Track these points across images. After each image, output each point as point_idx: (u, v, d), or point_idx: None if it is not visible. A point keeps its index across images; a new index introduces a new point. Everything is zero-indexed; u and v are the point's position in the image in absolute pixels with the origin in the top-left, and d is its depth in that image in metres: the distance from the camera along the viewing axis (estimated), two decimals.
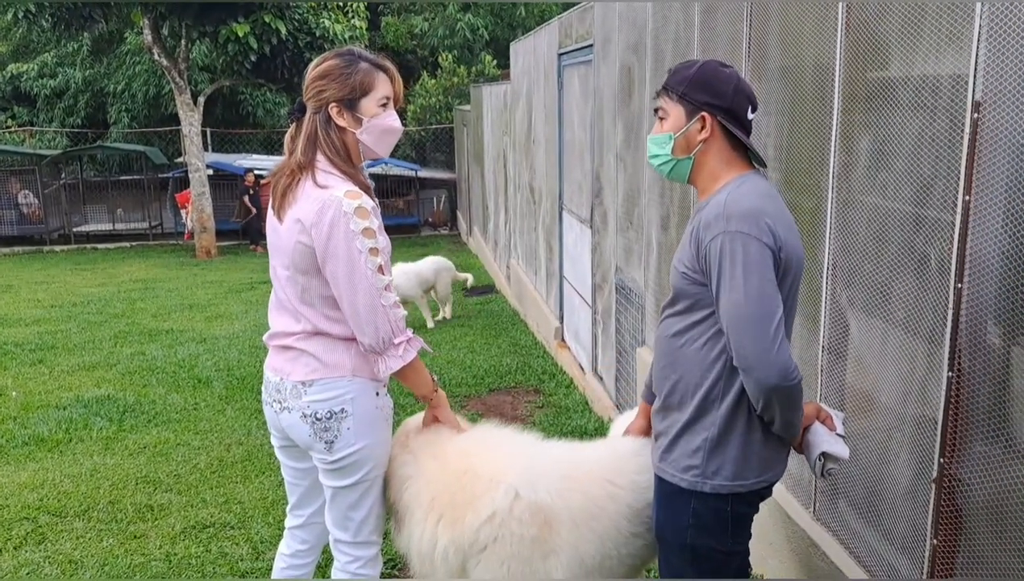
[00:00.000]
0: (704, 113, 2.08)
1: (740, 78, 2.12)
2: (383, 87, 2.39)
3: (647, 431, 2.48)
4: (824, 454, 2.16)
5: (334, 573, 2.56)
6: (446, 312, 9.18)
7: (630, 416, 2.74)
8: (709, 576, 2.18)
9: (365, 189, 2.37)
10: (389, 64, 2.44)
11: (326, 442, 2.39)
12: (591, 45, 5.76)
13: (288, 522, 2.72)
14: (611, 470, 2.44)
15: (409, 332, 2.39)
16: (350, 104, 2.36)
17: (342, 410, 2.37)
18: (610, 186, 5.46)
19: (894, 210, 2.41)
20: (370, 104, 2.37)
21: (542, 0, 18.55)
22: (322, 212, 2.26)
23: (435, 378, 2.52)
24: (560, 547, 2.31)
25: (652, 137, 2.18)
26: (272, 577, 2.73)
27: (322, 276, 2.33)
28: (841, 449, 2.17)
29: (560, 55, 6.83)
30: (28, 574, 3.66)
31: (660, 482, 2.23)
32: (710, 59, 2.18)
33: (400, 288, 8.44)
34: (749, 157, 2.15)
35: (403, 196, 18.30)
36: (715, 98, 2.08)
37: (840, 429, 2.24)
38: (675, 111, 2.12)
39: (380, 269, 2.30)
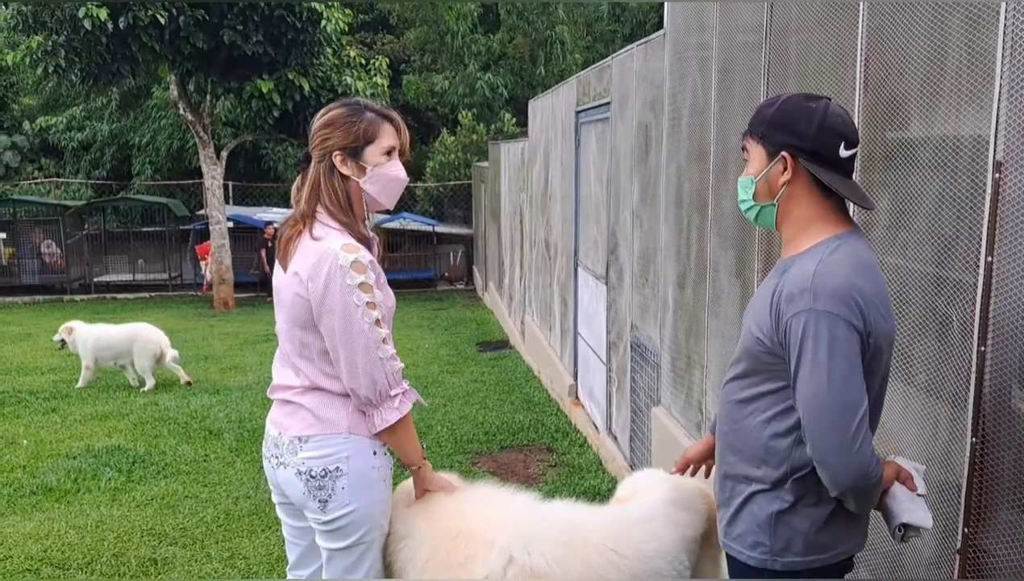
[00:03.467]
0: (784, 154, 1.89)
1: (828, 112, 1.88)
2: (388, 137, 2.39)
3: (705, 458, 2.39)
4: (904, 525, 1.95)
5: None
6: (182, 380, 8.62)
7: (641, 476, 2.67)
8: None
9: (364, 241, 2.34)
10: (395, 115, 2.44)
11: (320, 501, 2.32)
12: (608, 103, 5.81)
13: None
14: (615, 538, 2.35)
15: (405, 384, 2.36)
16: (354, 152, 2.35)
17: (336, 468, 2.31)
18: (626, 243, 5.44)
19: (915, 271, 2.37)
20: (374, 153, 2.36)
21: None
22: (318, 266, 2.24)
23: (424, 446, 2.46)
24: None
25: (740, 180, 2.01)
26: None
27: (319, 330, 2.30)
28: (923, 517, 1.96)
29: (578, 112, 6.89)
30: None
31: (729, 558, 2.08)
32: (795, 93, 2.00)
33: (77, 345, 8.44)
34: (845, 206, 1.95)
35: (420, 251, 18.43)
36: (795, 137, 1.87)
37: (921, 488, 2.02)
38: (757, 153, 1.95)
39: (378, 322, 2.27)
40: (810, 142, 1.87)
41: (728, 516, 2.04)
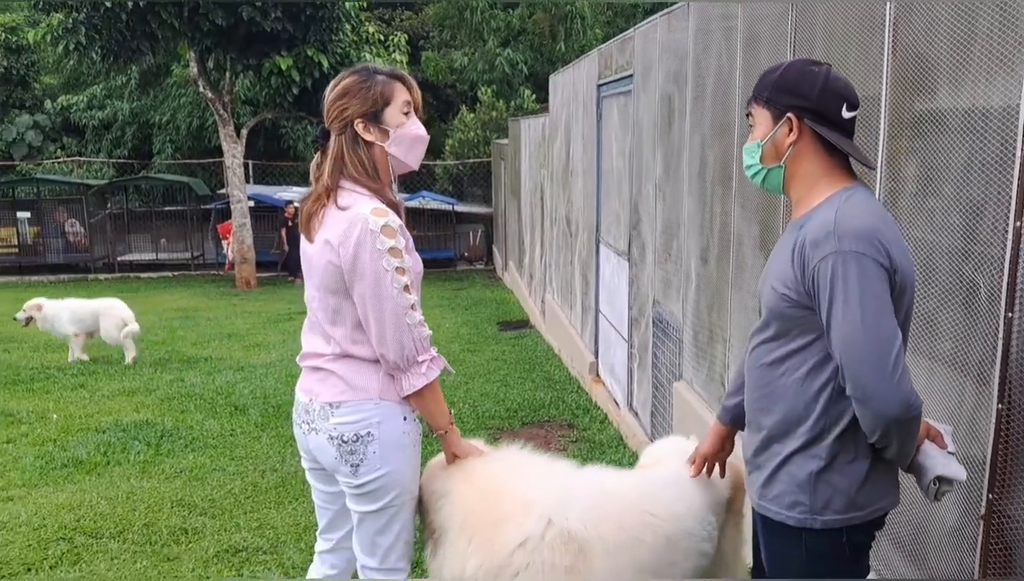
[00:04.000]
0: (790, 115, 1.95)
1: (830, 75, 1.96)
2: (403, 94, 2.41)
3: (718, 451, 2.43)
4: (939, 478, 1.98)
5: None
6: (128, 358, 8.76)
7: (663, 444, 2.69)
8: None
9: (393, 207, 2.36)
10: (404, 73, 2.46)
11: (352, 465, 2.37)
12: (631, 75, 5.78)
13: (318, 546, 2.70)
14: (648, 499, 2.39)
15: (433, 351, 2.38)
16: (375, 117, 2.36)
17: (368, 433, 2.35)
18: (648, 217, 5.43)
19: (942, 238, 2.36)
20: (394, 113, 2.38)
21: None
22: (349, 231, 2.27)
23: (451, 412, 2.48)
24: (596, 578, 2.27)
25: (745, 147, 2.07)
26: None
27: (351, 297, 2.33)
28: (957, 470, 2.00)
29: (599, 86, 6.86)
30: None
31: (764, 519, 2.08)
32: (798, 59, 2.07)
33: (50, 321, 8.61)
34: (849, 165, 2.00)
35: (440, 230, 18.44)
36: (800, 99, 1.94)
37: (951, 446, 2.07)
38: (762, 117, 2.01)
39: (407, 288, 2.29)
40: (815, 103, 1.94)
41: (763, 479, 2.05)
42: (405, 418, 2.42)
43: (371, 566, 2.49)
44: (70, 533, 4.34)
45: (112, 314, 8.72)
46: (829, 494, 1.95)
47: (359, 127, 2.36)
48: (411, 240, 2.39)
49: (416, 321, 2.32)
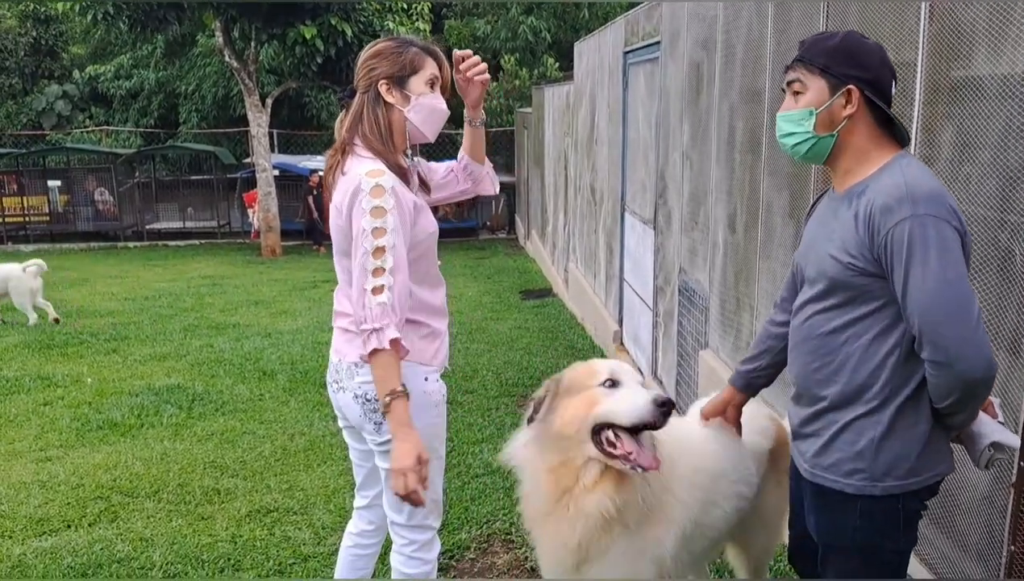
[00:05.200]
0: (851, 86, 1.92)
1: (884, 49, 1.97)
2: (431, 68, 2.44)
3: (733, 418, 2.49)
4: (994, 444, 1.98)
5: (392, 556, 2.58)
6: (51, 314, 9.18)
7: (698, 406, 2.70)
8: (889, 576, 2.04)
9: (400, 171, 2.36)
10: (438, 50, 2.49)
11: (375, 423, 2.41)
12: (658, 42, 5.73)
13: (355, 503, 2.77)
14: (685, 436, 2.47)
15: (386, 323, 2.21)
16: (400, 81, 2.40)
17: None
18: (675, 185, 5.41)
19: (975, 212, 2.34)
20: (419, 83, 2.41)
21: (606, 0, 18.50)
22: (346, 192, 2.31)
23: (402, 388, 2.23)
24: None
25: (785, 114, 2.01)
26: (340, 554, 2.78)
27: None
28: (1012, 438, 2.01)
29: (626, 53, 6.81)
30: (101, 549, 3.78)
31: (817, 488, 2.06)
32: (851, 30, 2.03)
33: None
34: (894, 135, 1.98)
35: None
36: (861, 70, 1.92)
37: (1000, 416, 2.06)
38: (816, 85, 1.95)
39: (378, 251, 2.23)
40: (874, 74, 1.92)
41: (818, 447, 2.04)
42: (427, 379, 2.45)
43: (399, 523, 2.54)
44: (107, 492, 4.45)
45: (20, 283, 9.00)
46: (890, 460, 1.94)
47: (382, 88, 2.40)
48: (419, 202, 2.40)
49: (372, 286, 2.22)
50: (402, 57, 2.40)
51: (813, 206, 2.21)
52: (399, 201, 2.29)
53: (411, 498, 2.24)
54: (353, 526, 2.77)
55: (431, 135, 2.47)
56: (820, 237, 2.02)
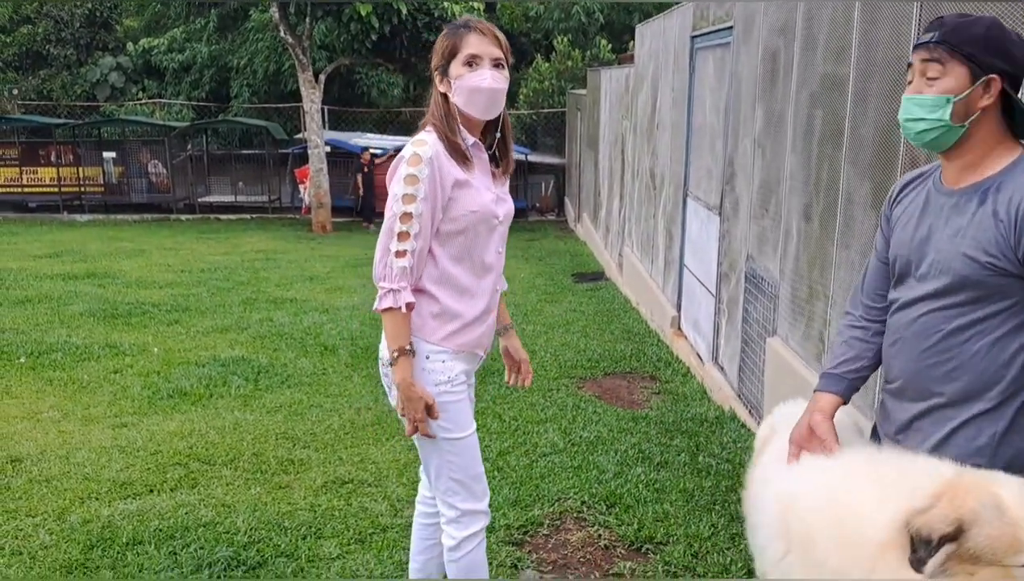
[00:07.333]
0: (995, 77, 1.86)
1: None
2: (469, 47, 2.43)
3: (833, 437, 2.16)
4: None
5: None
6: None
7: (793, 408, 2.53)
8: None
9: (454, 147, 2.44)
10: (478, 23, 2.49)
11: (388, 387, 2.56)
12: (730, 28, 5.69)
13: (420, 470, 2.84)
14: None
15: (401, 285, 2.38)
16: (444, 69, 2.48)
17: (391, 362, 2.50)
18: (744, 173, 5.39)
19: None
20: (456, 66, 2.46)
21: None
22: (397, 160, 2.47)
23: (409, 347, 2.41)
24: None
25: (917, 98, 1.93)
26: (413, 522, 2.88)
27: None
28: None
29: (693, 37, 6.76)
30: (186, 514, 3.92)
31: None
32: (994, 17, 1.95)
33: None
34: (1015, 131, 1.95)
35: (512, 180, 18.44)
36: (1008, 63, 1.87)
37: None
38: (957, 72, 1.88)
39: (405, 216, 2.37)
40: (1020, 69, 1.89)
41: (932, 444, 2.02)
42: (428, 357, 2.48)
43: (432, 495, 2.69)
44: (185, 459, 4.59)
45: None
46: (1012, 454, 1.94)
47: (437, 78, 2.51)
48: (466, 180, 2.44)
49: (395, 249, 2.38)
50: (442, 46, 2.49)
51: (899, 195, 2.16)
52: (435, 172, 2.39)
53: (420, 430, 2.45)
54: (423, 491, 2.85)
55: (478, 113, 2.47)
56: (940, 233, 1.99)
